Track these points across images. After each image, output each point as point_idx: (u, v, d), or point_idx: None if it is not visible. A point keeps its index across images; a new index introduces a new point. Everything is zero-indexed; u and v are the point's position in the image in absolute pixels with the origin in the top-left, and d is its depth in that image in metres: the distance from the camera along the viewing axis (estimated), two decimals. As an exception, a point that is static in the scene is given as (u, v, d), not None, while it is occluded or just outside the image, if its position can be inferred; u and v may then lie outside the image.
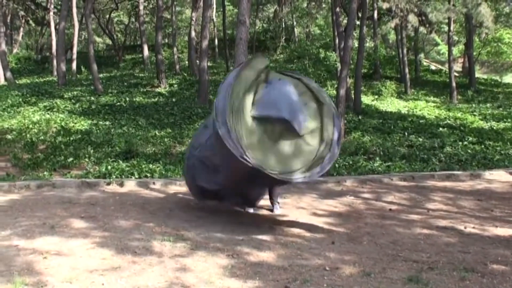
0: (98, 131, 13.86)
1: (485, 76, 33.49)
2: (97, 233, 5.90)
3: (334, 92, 17.84)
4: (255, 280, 4.57)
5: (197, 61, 22.41)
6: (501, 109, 21.61)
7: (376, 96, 22.78)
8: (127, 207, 7.36)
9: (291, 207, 7.88)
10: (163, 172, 10.31)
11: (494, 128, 17.49)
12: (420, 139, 14.84)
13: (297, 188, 9.43)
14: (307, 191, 9.16)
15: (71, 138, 12.93)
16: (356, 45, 21.68)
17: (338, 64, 18.80)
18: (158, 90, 20.98)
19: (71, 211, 7.04)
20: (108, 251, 5.23)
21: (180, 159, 11.79)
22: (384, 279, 4.76)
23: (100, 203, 7.61)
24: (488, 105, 22.60)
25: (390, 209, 7.91)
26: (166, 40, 37.32)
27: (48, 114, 15.98)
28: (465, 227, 6.86)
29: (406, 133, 15.52)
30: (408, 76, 24.75)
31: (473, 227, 6.90)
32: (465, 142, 14.81)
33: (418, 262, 5.35)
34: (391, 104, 21.36)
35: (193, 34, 25.28)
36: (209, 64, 25.94)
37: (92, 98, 18.98)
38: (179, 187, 9.04)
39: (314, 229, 6.55)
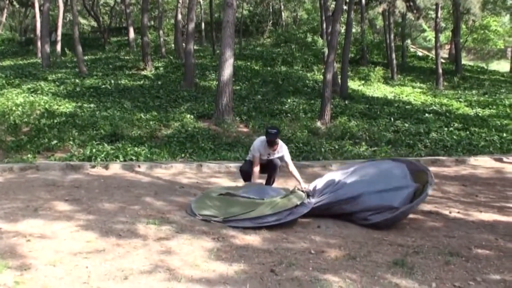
0: (82, 113, 13.71)
1: (471, 63, 33.67)
2: (81, 216, 5.83)
3: (321, 77, 17.80)
4: (240, 263, 4.55)
5: (183, 44, 22.22)
6: (486, 96, 21.75)
7: (363, 82, 22.81)
8: (112, 190, 7.29)
9: (277, 191, 7.86)
10: (149, 155, 10.24)
11: (480, 114, 17.59)
12: (406, 125, 14.87)
13: (283, 172, 9.40)
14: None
15: (55, 121, 12.77)
16: (344, 30, 21.62)
17: (325, 49, 18.76)
18: (143, 73, 20.82)
19: (55, 194, 6.95)
20: (93, 234, 5.17)
21: (166, 142, 11.72)
22: (369, 263, 4.76)
23: (85, 186, 7.54)
24: (474, 91, 22.74)
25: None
26: (152, 23, 37.00)
27: (32, 96, 15.78)
28: (450, 212, 6.89)
29: (392, 119, 15.55)
30: (395, 61, 24.80)
31: (458, 212, 6.94)
32: (451, 128, 14.87)
33: (403, 246, 5.37)
34: (377, 89, 21.39)
35: (179, 16, 25.09)
36: (195, 47, 25.81)
37: (77, 80, 18.77)
38: (164, 170, 8.99)
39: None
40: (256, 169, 7.27)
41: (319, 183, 6.91)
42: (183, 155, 10.83)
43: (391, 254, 5.08)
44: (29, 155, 9.94)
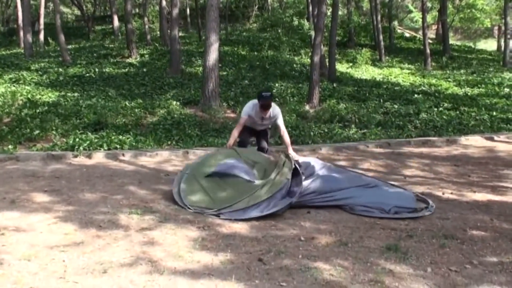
0: (66, 102, 13.38)
1: (458, 43, 33.56)
2: (61, 207, 5.57)
3: (308, 60, 17.56)
4: (226, 253, 4.34)
5: (169, 31, 21.86)
6: (475, 75, 21.61)
7: (351, 64, 22.58)
8: (94, 180, 7.03)
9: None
10: (134, 144, 9.97)
11: (469, 94, 17.43)
12: (396, 106, 14.68)
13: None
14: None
15: (38, 110, 12.43)
16: (330, 12, 21.34)
17: (312, 32, 18.49)
18: (128, 60, 20.44)
19: (34, 184, 6.68)
20: (71, 225, 4.94)
21: (151, 129, 11.46)
22: (361, 248, 4.58)
23: (66, 176, 7.26)
24: (462, 71, 22.59)
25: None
26: (137, 10, 36.50)
27: (14, 86, 15.40)
28: (443, 193, 6.72)
29: (381, 100, 15.35)
30: (382, 43, 24.56)
31: (451, 193, 6.78)
32: (440, 108, 14.70)
33: (396, 230, 5.19)
34: (365, 71, 21.17)
35: (164, 3, 24.70)
36: (181, 33, 25.48)
37: (60, 69, 18.38)
38: (149, 158, 8.74)
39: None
40: (236, 132, 7.09)
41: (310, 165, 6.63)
42: (169, 142, 10.58)
43: (384, 238, 4.90)
44: (9, 146, 9.63)
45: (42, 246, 4.38)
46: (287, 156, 6.49)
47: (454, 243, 4.81)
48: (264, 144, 7.52)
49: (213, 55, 13.26)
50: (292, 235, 4.89)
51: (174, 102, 13.72)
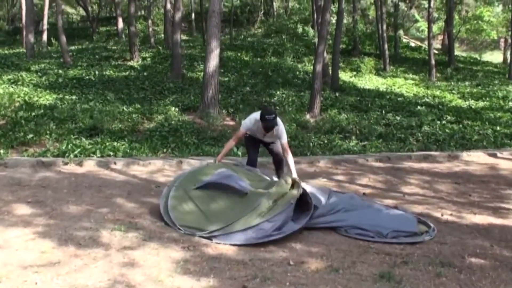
0: (63, 106, 13.21)
1: (464, 54, 33.32)
2: (41, 220, 5.34)
3: (312, 68, 17.35)
4: (209, 278, 4.10)
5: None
6: (480, 87, 21.38)
7: (355, 73, 22.38)
8: (82, 190, 6.80)
9: (259, 190, 7.42)
10: (128, 151, 9.74)
11: (473, 107, 17.22)
12: (398, 118, 14.46)
13: (268, 169, 8.96)
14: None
15: (33, 113, 12.25)
16: (335, 20, 21.14)
17: (316, 39, 18.29)
18: (130, 63, 20.29)
19: (19, 194, 6.44)
20: (50, 242, 4.70)
21: (148, 136, 11.25)
22: (353, 276, 4.34)
23: (53, 185, 7.02)
24: (467, 83, 22.37)
25: (364, 193, 7.49)
26: (142, 12, 36.36)
27: (12, 87, 15.24)
28: (442, 214, 6.47)
29: (383, 111, 15.13)
30: (387, 52, 24.37)
31: (450, 214, 6.53)
32: (443, 121, 14.48)
33: (391, 255, 4.94)
34: (369, 81, 20.97)
35: (168, 6, 24.50)
36: (185, 37, 25.36)
37: (60, 71, 18.23)
38: (142, 167, 8.51)
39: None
40: (230, 144, 6.88)
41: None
42: (164, 150, 10.36)
43: (377, 264, 4.66)
44: (1, 151, 9.41)
45: (15, 265, 4.15)
46: (294, 179, 6.00)
47: (451, 272, 4.57)
48: (278, 150, 7.01)
49: (213, 62, 13.07)
50: (281, 259, 4.66)
51: (173, 108, 13.53)
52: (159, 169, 8.57)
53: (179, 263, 4.38)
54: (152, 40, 25.61)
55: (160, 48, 23.89)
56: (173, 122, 12.33)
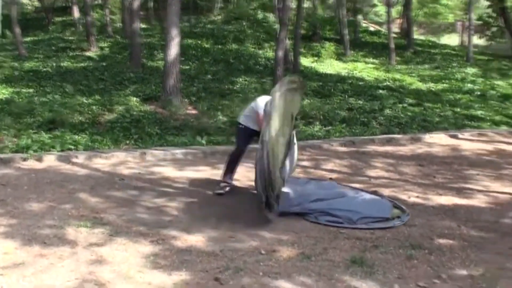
0: (19, 99, 12.82)
1: (422, 37, 33.63)
2: (2, 220, 5.13)
3: (273, 54, 17.28)
4: (181, 272, 4.02)
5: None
6: (438, 70, 21.66)
7: (316, 58, 22.37)
8: (43, 187, 6.57)
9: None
10: (89, 144, 9.47)
11: (433, 89, 17.45)
12: (360, 102, 14.52)
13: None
14: (242, 160, 8.59)
15: (-11, 109, 11.87)
16: (295, 6, 21.06)
17: (277, 26, 18.20)
18: (88, 54, 19.82)
19: (-24, 194, 6.23)
20: (13, 242, 4.53)
21: (109, 128, 11.02)
22: (325, 262, 4.32)
23: (12, 182, 6.76)
24: (426, 66, 22.62)
25: (331, 178, 7.50)
26: (99, 1, 35.60)
27: (-36, 82, 14.75)
28: (408, 197, 6.53)
29: (346, 96, 15.17)
30: (347, 37, 24.41)
31: (417, 196, 6.60)
32: (405, 104, 14.61)
33: (362, 239, 4.95)
34: (330, 66, 21.00)
35: (125, -6, 24.09)
36: (143, 26, 24.89)
37: (15, 64, 17.68)
38: (104, 160, 8.29)
39: (249, 205, 6.03)
40: None
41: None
42: (127, 141, 10.15)
43: (348, 250, 4.66)
44: (-44, 149, 9.07)
45: (-23, 268, 4.00)
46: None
47: (421, 254, 4.60)
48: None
49: (174, 50, 12.86)
50: (252, 248, 4.60)
51: (134, 98, 13.26)
52: (122, 161, 8.38)
53: (148, 257, 4.29)
54: (110, 29, 25.10)
55: (118, 37, 23.43)
56: (134, 112, 12.10)
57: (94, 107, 12.22)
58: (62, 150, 8.89)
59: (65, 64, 17.75)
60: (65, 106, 11.99)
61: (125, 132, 10.77)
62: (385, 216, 5.61)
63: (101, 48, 20.91)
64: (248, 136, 6.66)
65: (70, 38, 23.74)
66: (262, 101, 6.39)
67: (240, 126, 6.63)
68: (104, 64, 17.73)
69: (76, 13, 25.79)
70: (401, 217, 5.69)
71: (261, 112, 6.20)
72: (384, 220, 5.53)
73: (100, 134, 10.37)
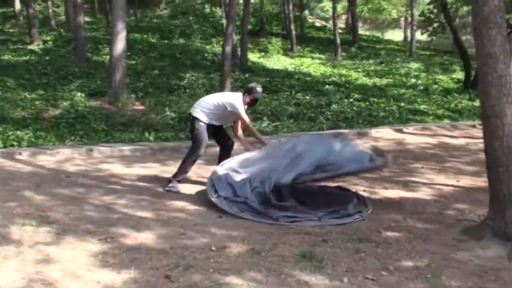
0: (-42, 95, 12.38)
1: (367, 33, 34.25)
2: None
3: (220, 49, 17.24)
4: (130, 270, 3.97)
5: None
6: (383, 65, 22.12)
7: (263, 53, 22.44)
8: (-15, 185, 6.40)
9: (174, 176, 7.29)
10: (33, 140, 9.24)
11: (378, 84, 17.79)
12: (307, 97, 14.67)
13: (181, 153, 8.83)
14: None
15: None
16: (242, 0, 21.07)
17: (224, 21, 18.15)
18: (30, 47, 19.26)
19: None
20: (-46, 243, 4.40)
21: (53, 123, 10.76)
22: (275, 258, 4.35)
23: (-47, 181, 6.57)
24: (371, 61, 23.06)
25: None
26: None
27: None
28: (356, 191, 6.62)
29: (293, 91, 15.30)
30: (294, 32, 24.60)
31: (364, 190, 6.74)
32: (351, 99, 14.86)
33: (311, 234, 5.02)
34: (277, 61, 21.12)
35: (69, -14, 23.53)
36: (88, 19, 24.36)
37: (-47, 57, 17.07)
38: (49, 157, 8.09)
39: (200, 201, 6.03)
40: (253, 127, 6.78)
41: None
42: (72, 138, 9.94)
43: (298, 244, 4.71)
44: None
45: None
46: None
47: (369, 247, 4.69)
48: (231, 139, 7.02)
49: (120, 44, 12.67)
50: (202, 245, 4.59)
51: (79, 94, 12.99)
52: (68, 158, 8.20)
53: (97, 256, 4.22)
54: (53, 22, 24.46)
55: (62, 30, 22.87)
56: (80, 108, 11.86)
57: (37, 102, 11.93)
58: (4, 147, 8.65)
59: (6, 57, 17.20)
60: (7, 101, 11.64)
61: (70, 128, 10.56)
62: (363, 166, 5.86)
63: (44, 42, 20.36)
64: (210, 133, 6.66)
65: (11, 30, 23.00)
66: (235, 100, 6.49)
67: (202, 123, 6.58)
68: (47, 58, 17.28)
69: (17, 5, 24.98)
70: (363, 212, 5.76)
71: (242, 112, 6.48)
72: (346, 216, 5.58)
73: (44, 130, 10.13)
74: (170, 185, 6.49)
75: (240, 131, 6.89)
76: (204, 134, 6.57)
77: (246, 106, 6.63)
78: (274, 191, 5.74)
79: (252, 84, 6.67)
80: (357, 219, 5.54)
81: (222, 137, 6.95)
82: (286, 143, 6.75)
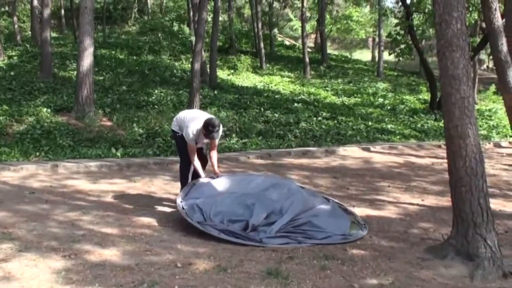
0: None
1: (336, 52, 34.66)
2: None
3: (189, 66, 17.25)
4: (94, 287, 3.89)
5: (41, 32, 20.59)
6: (351, 84, 22.38)
7: (232, 71, 22.53)
8: None
9: (141, 192, 7.22)
10: (-4, 156, 9.10)
11: (346, 103, 17.97)
12: (276, 115, 14.75)
13: (148, 169, 8.78)
14: (159, 173, 8.53)
15: None
16: (211, 18, 21.15)
17: (193, 38, 18.18)
18: (-5, 62, 18.99)
19: None
20: None
21: (18, 139, 10.58)
22: (241, 274, 4.32)
23: None
24: (339, 80, 23.31)
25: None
26: (6, 8, 34.26)
27: None
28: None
29: (262, 109, 15.37)
30: (263, 51, 24.76)
31: (331, 208, 6.72)
32: (319, 118, 14.98)
33: (277, 251, 5.00)
34: (247, 79, 21.21)
35: (35, 2, 23.28)
36: (55, 35, 24.16)
37: None
38: (13, 173, 7.95)
39: (166, 218, 5.96)
40: (197, 161, 6.40)
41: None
42: (37, 154, 9.78)
43: (264, 261, 4.68)
44: None
45: None
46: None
47: (335, 264, 4.69)
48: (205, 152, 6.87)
49: (87, 60, 12.57)
50: (168, 261, 4.54)
51: (45, 109, 12.81)
52: (32, 174, 8.07)
53: (60, 273, 4.13)
54: (19, 37, 24.17)
55: (28, 46, 22.59)
56: (45, 124, 11.69)
57: (1, 118, 11.72)
58: (-33, 163, 8.45)
59: (-30, 72, 16.89)
60: (-30, 117, 11.42)
61: (35, 143, 10.41)
62: (344, 233, 5.60)
63: (9, 57, 20.06)
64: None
65: (-25, 46, 22.62)
66: (191, 130, 6.28)
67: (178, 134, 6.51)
68: (12, 73, 16.99)
69: (-18, 20, 24.67)
70: (356, 232, 5.68)
71: (192, 143, 6.31)
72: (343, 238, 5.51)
73: (8, 146, 9.96)
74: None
75: (212, 152, 6.61)
76: (184, 148, 6.45)
77: (203, 137, 6.38)
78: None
79: (211, 121, 6.23)
80: (350, 240, 5.47)
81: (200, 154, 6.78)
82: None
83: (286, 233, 5.45)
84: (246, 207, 5.73)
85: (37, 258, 4.44)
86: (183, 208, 5.65)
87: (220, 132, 6.51)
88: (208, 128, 6.16)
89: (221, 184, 6.32)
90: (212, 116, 6.41)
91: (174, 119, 6.70)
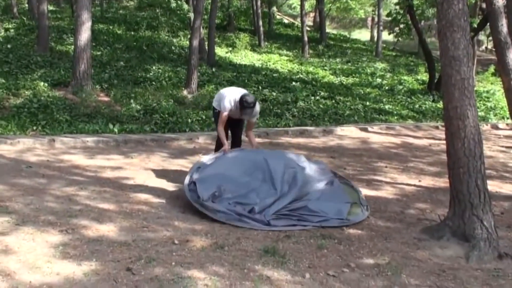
0: None
1: (335, 31, 34.47)
2: None
3: (187, 43, 17.13)
4: (91, 262, 3.90)
5: (37, 4, 20.40)
6: (349, 64, 22.28)
7: (230, 48, 22.37)
8: None
9: (138, 168, 7.20)
10: (-7, 129, 9.07)
11: (344, 83, 17.92)
12: (274, 93, 14.70)
13: (146, 146, 8.76)
14: (156, 150, 8.52)
15: None
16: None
17: (191, 15, 18.03)
18: (-9, 35, 18.82)
19: None
20: None
21: (15, 113, 10.54)
22: (238, 252, 4.34)
23: None
24: (337, 60, 23.20)
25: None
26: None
27: None
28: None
29: (260, 87, 15.31)
30: (262, 28, 24.60)
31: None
32: (317, 97, 14.94)
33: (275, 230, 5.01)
34: (245, 56, 21.09)
35: (33, -26, 23.05)
36: (52, 8, 23.93)
37: None
38: (10, 147, 7.92)
39: (163, 194, 5.96)
40: (223, 131, 6.49)
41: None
42: (34, 128, 9.76)
43: (261, 240, 4.71)
44: None
45: None
46: None
47: (331, 243, 4.72)
48: (240, 134, 7.02)
49: (85, 34, 12.46)
50: (165, 238, 4.55)
51: (42, 83, 12.72)
52: (29, 148, 8.04)
53: (57, 247, 4.14)
54: (15, 10, 23.93)
55: (25, 19, 22.38)
56: (42, 98, 11.62)
57: (-2, 91, 11.66)
58: (-37, 136, 8.42)
59: (-34, 45, 16.75)
60: (-34, 90, 11.35)
61: (32, 118, 10.37)
62: (341, 217, 5.49)
63: (6, 30, 19.88)
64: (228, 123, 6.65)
65: (-29, 18, 22.42)
66: (228, 100, 6.42)
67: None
68: (9, 46, 16.86)
69: (-22, -9, 24.42)
70: (355, 217, 5.56)
71: (225, 113, 6.44)
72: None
73: (5, 119, 9.92)
74: None
75: (249, 132, 6.79)
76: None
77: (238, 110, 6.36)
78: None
79: (247, 96, 6.28)
80: (348, 223, 5.38)
81: (234, 131, 7.00)
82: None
83: (285, 215, 5.41)
84: (253, 190, 5.68)
85: (34, 232, 4.44)
86: (193, 184, 5.61)
87: (257, 110, 6.55)
88: (243, 103, 6.24)
89: (232, 162, 6.17)
90: (250, 93, 6.49)
91: (216, 95, 6.80)
